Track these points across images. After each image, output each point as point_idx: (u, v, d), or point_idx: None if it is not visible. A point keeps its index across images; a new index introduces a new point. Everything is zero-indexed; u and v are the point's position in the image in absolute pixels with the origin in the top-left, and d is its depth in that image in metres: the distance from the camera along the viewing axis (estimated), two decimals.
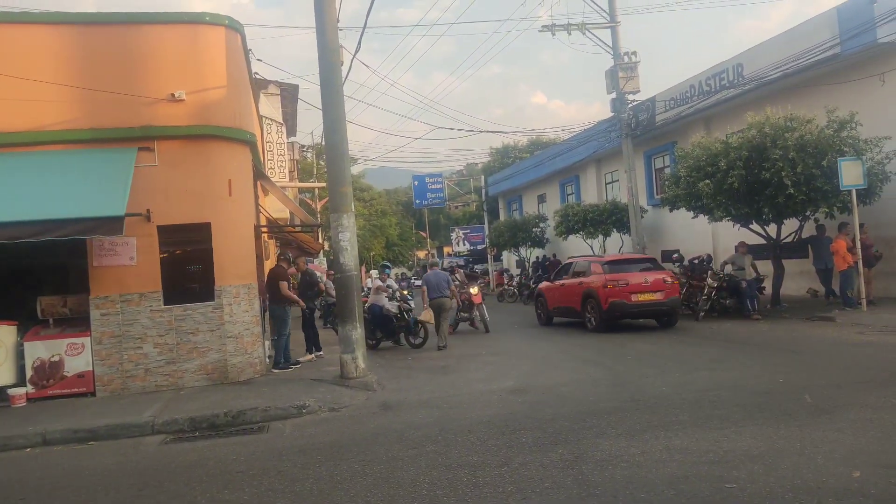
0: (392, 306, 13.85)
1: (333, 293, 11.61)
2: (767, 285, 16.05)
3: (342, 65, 10.48)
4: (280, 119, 20.77)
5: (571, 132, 27.95)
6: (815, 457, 5.09)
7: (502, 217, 40.19)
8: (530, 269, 28.46)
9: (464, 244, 44.30)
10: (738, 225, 15.88)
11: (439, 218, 63.14)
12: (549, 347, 12.75)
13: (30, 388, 9.38)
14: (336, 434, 6.98)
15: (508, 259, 39.12)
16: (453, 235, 46.08)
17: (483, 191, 41.12)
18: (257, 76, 18.04)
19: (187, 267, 11.68)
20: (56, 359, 9.50)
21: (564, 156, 28.79)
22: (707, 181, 14.73)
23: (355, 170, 43.95)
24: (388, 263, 18.40)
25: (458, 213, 54.86)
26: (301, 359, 11.78)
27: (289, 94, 22.82)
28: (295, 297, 11.58)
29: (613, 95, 20.72)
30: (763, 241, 16.05)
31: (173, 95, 9.73)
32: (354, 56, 13.33)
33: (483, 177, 42.38)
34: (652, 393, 7.83)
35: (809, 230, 15.61)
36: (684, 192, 15.99)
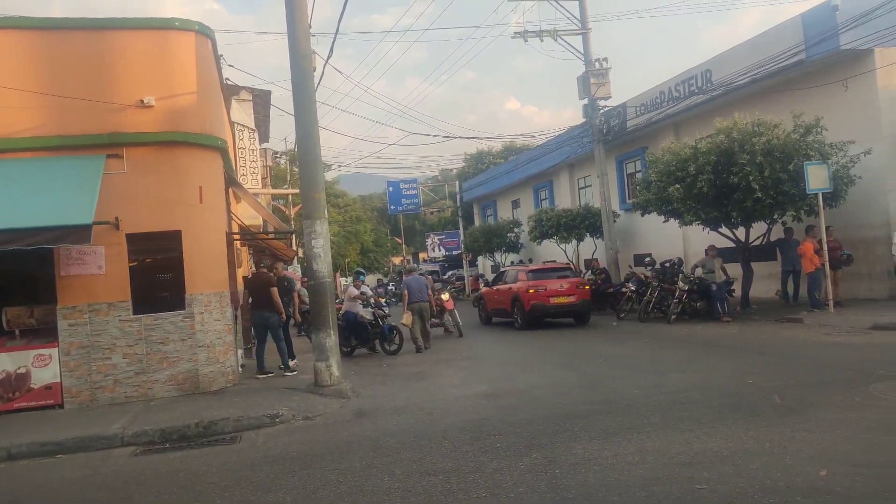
0: (367, 313, 13.88)
1: (307, 300, 11.52)
2: (737, 288, 16.29)
3: (315, 70, 10.46)
4: (252, 125, 20.61)
5: (545, 138, 28.25)
6: (783, 457, 5.17)
7: (477, 222, 40.30)
8: None
9: (439, 250, 44.33)
10: (708, 229, 16.10)
11: (415, 224, 62.99)
12: (523, 350, 12.82)
13: None
14: (310, 443, 6.92)
15: (484, 264, 39.21)
16: (429, 241, 46.10)
17: (458, 196, 41.15)
18: (229, 82, 17.90)
19: (157, 275, 11.53)
20: (22, 371, 9.29)
21: (538, 161, 29.05)
22: (677, 186, 14.95)
23: (329, 176, 43.63)
24: (363, 270, 18.38)
25: (433, 219, 54.77)
26: (291, 363, 11.68)
27: (261, 100, 22.64)
28: (280, 304, 11.48)
29: (585, 101, 21.00)
30: (732, 245, 16.30)
31: (142, 102, 9.61)
32: (327, 62, 13.36)
33: (458, 182, 42.33)
34: (624, 395, 7.90)
35: (777, 233, 15.91)
36: (655, 196, 16.21)
